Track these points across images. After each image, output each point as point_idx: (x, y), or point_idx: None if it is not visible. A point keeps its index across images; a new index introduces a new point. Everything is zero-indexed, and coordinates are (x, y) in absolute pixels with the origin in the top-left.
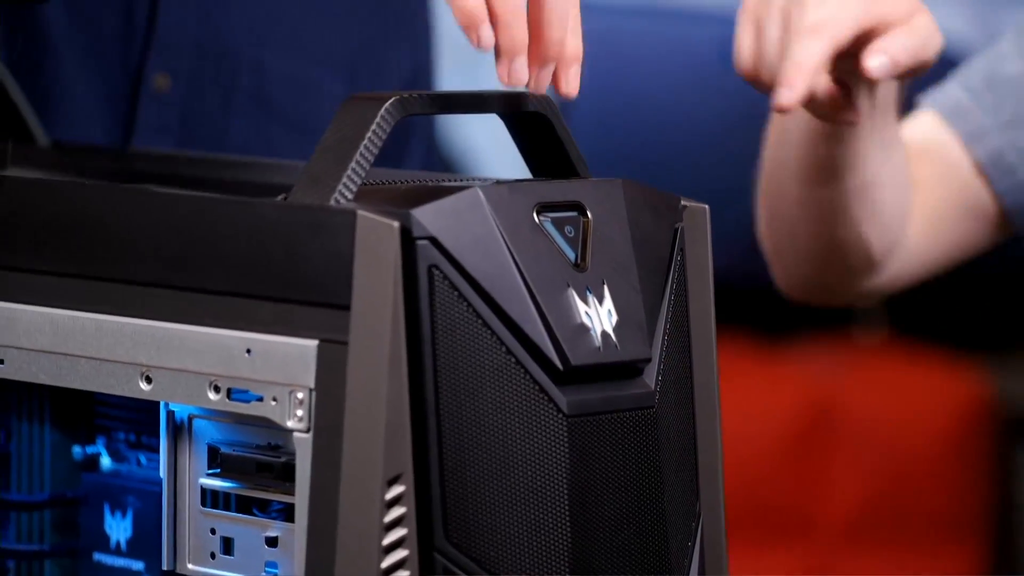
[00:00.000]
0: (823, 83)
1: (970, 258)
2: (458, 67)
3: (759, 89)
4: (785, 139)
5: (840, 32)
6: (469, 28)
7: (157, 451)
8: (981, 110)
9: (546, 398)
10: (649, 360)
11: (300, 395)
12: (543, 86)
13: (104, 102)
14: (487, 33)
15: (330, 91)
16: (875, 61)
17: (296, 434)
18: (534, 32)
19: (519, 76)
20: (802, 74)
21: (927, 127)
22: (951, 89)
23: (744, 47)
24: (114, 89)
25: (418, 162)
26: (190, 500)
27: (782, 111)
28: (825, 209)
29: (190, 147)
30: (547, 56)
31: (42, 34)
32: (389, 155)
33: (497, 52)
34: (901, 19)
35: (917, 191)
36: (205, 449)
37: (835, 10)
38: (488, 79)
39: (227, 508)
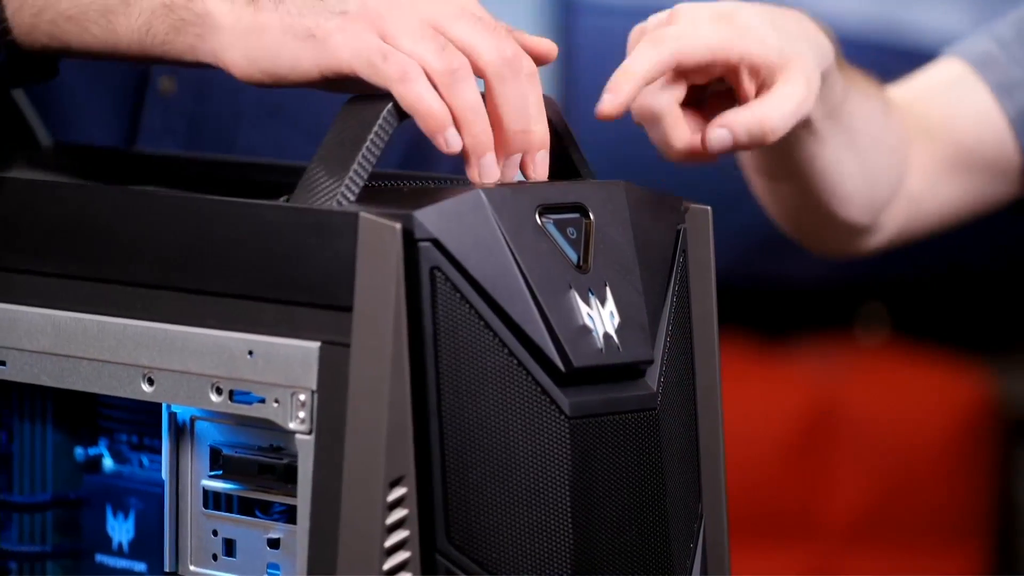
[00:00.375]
0: (667, 111)
1: (989, 211)
2: None
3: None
4: None
5: (684, 48)
6: (436, 133)
7: (159, 453)
8: (1011, 61)
9: (548, 400)
10: (651, 361)
11: (302, 397)
12: (511, 177)
13: (109, 105)
14: (453, 135)
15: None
16: (715, 132)
17: (298, 436)
18: (496, 127)
19: (490, 174)
20: (629, 79)
21: (949, 75)
22: (979, 39)
23: None
24: (119, 92)
25: (447, 167)
26: (192, 502)
27: (603, 118)
28: (792, 196)
29: (197, 151)
30: (512, 149)
31: None
32: (415, 162)
33: (464, 154)
34: (768, 64)
35: (924, 142)
36: (207, 451)
37: (688, 27)
38: None
39: (229, 510)
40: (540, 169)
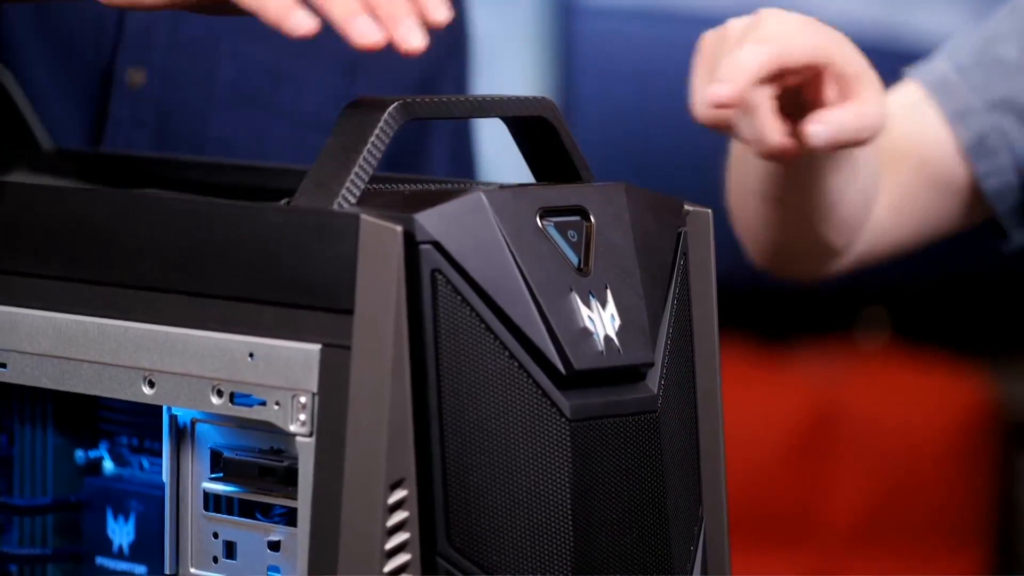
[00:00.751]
0: (764, 103)
1: (942, 236)
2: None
3: (725, 131)
4: (746, 160)
5: (790, 48)
6: (281, 21)
7: (160, 455)
8: (968, 88)
9: (549, 402)
10: (652, 364)
11: (303, 399)
12: (411, 38)
13: (73, 100)
14: (302, 16)
15: (327, 84)
16: (816, 128)
17: (299, 438)
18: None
19: (371, 34)
20: (741, 71)
21: (909, 100)
22: (938, 63)
23: (698, 91)
24: (83, 86)
25: (443, 167)
26: (193, 504)
27: (716, 106)
28: (785, 222)
29: (168, 141)
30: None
31: (9, 31)
32: (403, 166)
33: (339, 29)
34: (855, 73)
35: (889, 167)
36: (208, 453)
37: (790, 28)
38: (492, 85)
39: (230, 512)
40: (440, 11)
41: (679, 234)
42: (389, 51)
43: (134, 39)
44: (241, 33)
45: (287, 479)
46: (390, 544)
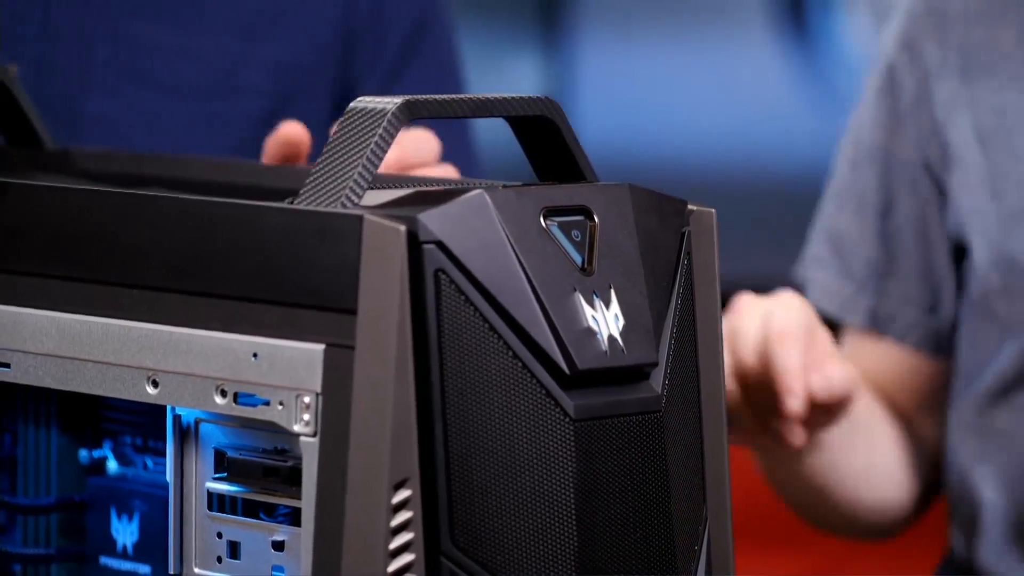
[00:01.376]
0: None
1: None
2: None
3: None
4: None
5: (800, 338)
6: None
7: (164, 455)
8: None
9: (553, 402)
10: (656, 364)
11: (307, 399)
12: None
13: None
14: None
15: (219, 52)
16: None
17: (303, 438)
18: None
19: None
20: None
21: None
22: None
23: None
24: None
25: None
26: (197, 504)
27: (795, 416)
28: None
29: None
30: None
31: None
32: None
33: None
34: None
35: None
36: (212, 453)
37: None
38: (495, 84)
39: (234, 512)
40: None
41: (683, 234)
42: (292, 4)
43: (4, 35)
44: (117, 12)
45: (291, 479)
46: (394, 544)
